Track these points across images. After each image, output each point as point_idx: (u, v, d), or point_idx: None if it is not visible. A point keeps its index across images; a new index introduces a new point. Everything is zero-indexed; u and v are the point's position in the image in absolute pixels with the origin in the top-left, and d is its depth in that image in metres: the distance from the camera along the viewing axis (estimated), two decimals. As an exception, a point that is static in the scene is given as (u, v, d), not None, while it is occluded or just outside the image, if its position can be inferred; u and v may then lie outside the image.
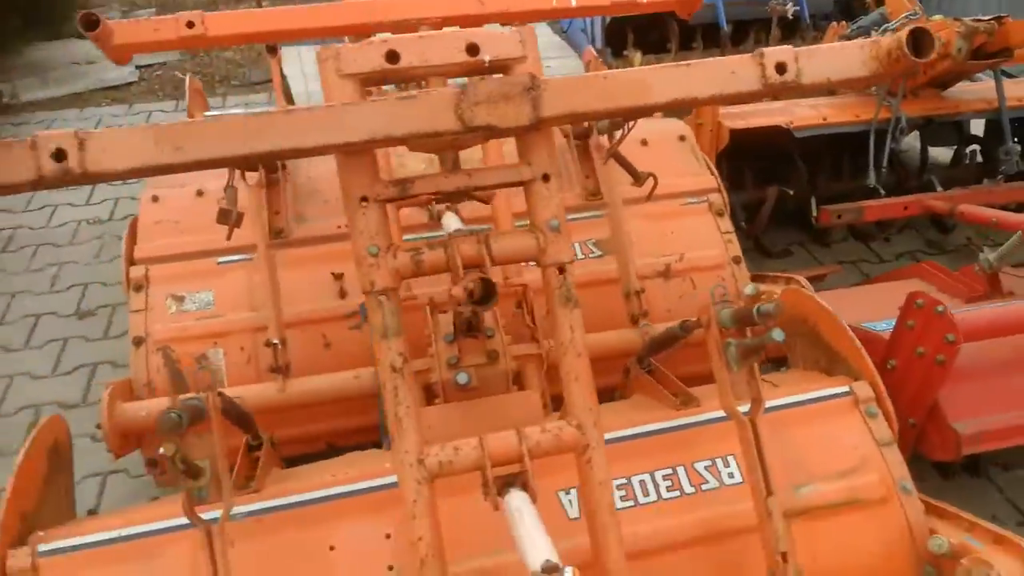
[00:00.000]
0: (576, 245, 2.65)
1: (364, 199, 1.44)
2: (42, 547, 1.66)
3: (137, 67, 5.87)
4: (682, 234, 2.71)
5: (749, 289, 2.10)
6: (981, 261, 2.63)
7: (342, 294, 2.58)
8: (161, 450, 1.33)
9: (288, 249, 2.61)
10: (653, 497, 1.82)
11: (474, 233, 1.49)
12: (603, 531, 1.48)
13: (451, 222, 2.29)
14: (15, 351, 3.25)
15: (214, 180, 2.78)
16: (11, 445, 2.80)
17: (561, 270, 1.51)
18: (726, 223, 2.75)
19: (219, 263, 2.60)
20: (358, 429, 2.45)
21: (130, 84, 5.69)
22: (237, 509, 1.66)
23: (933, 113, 3.38)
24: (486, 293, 1.38)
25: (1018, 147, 3.27)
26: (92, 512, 1.94)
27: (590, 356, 2.39)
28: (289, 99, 3.96)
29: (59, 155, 1.24)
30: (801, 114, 3.25)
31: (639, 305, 2.48)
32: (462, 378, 2.20)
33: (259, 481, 1.80)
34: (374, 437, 2.37)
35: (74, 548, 1.67)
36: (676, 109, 1.60)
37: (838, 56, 1.44)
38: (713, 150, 3.13)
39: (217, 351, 2.44)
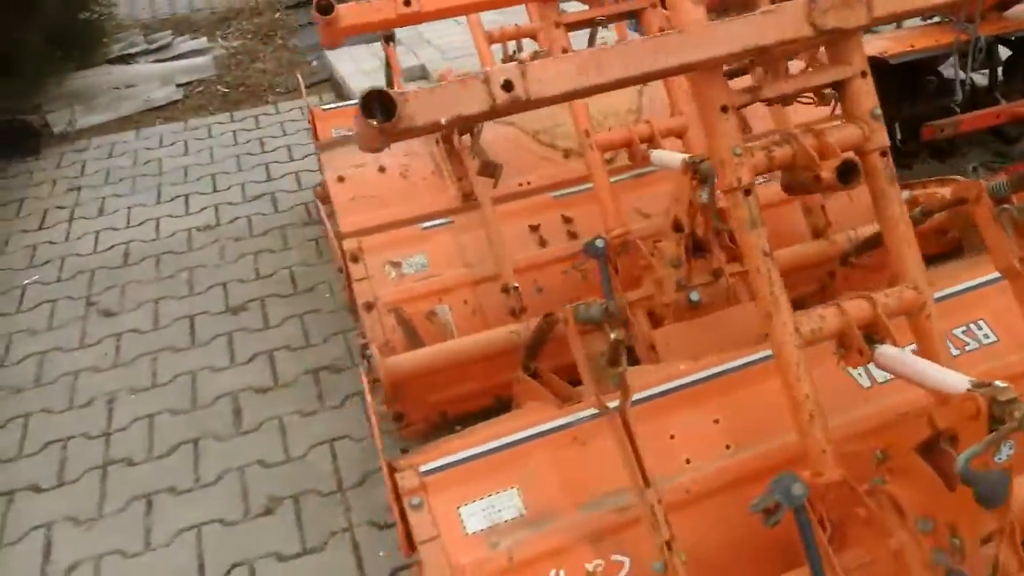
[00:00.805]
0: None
1: (724, 108, 1.63)
2: (423, 468, 1.82)
3: (177, 86, 5.91)
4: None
5: (904, 195, 2.30)
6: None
7: (542, 243, 2.76)
8: (613, 335, 1.51)
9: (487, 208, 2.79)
10: (929, 363, 2.05)
11: (810, 129, 1.70)
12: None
13: (663, 156, 2.49)
14: (184, 350, 3.34)
15: (389, 158, 2.94)
16: (220, 431, 2.91)
17: (884, 154, 1.73)
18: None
19: (423, 228, 2.76)
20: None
21: (175, 102, 5.73)
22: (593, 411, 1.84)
23: (1003, 32, 3.71)
24: (853, 171, 1.59)
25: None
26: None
27: (791, 267, 2.65)
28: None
29: (508, 85, 1.42)
30: (888, 46, 3.53)
31: (823, 218, 2.72)
32: (695, 296, 2.42)
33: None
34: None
35: (449, 465, 1.83)
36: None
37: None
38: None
39: (443, 307, 2.60)
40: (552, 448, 1.87)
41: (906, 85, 3.77)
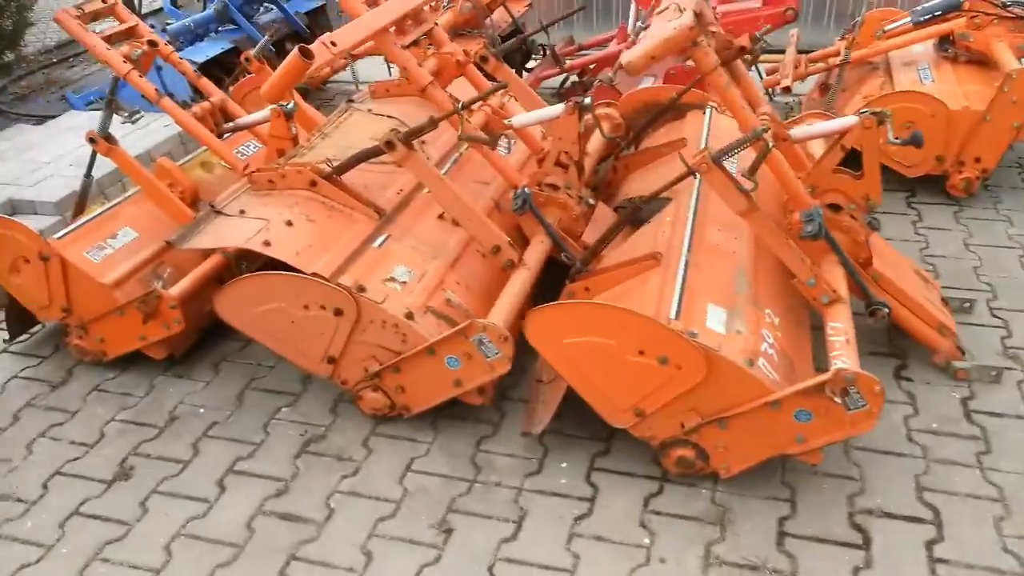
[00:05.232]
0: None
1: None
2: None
3: None
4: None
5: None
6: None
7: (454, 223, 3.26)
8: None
9: (396, 218, 3.14)
10: None
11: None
12: None
13: (523, 118, 3.33)
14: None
15: (287, 213, 2.99)
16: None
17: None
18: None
19: (376, 247, 2.97)
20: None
21: None
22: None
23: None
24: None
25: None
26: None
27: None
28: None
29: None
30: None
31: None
32: (591, 201, 3.40)
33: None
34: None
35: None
36: None
37: None
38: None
39: (450, 292, 2.92)
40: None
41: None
